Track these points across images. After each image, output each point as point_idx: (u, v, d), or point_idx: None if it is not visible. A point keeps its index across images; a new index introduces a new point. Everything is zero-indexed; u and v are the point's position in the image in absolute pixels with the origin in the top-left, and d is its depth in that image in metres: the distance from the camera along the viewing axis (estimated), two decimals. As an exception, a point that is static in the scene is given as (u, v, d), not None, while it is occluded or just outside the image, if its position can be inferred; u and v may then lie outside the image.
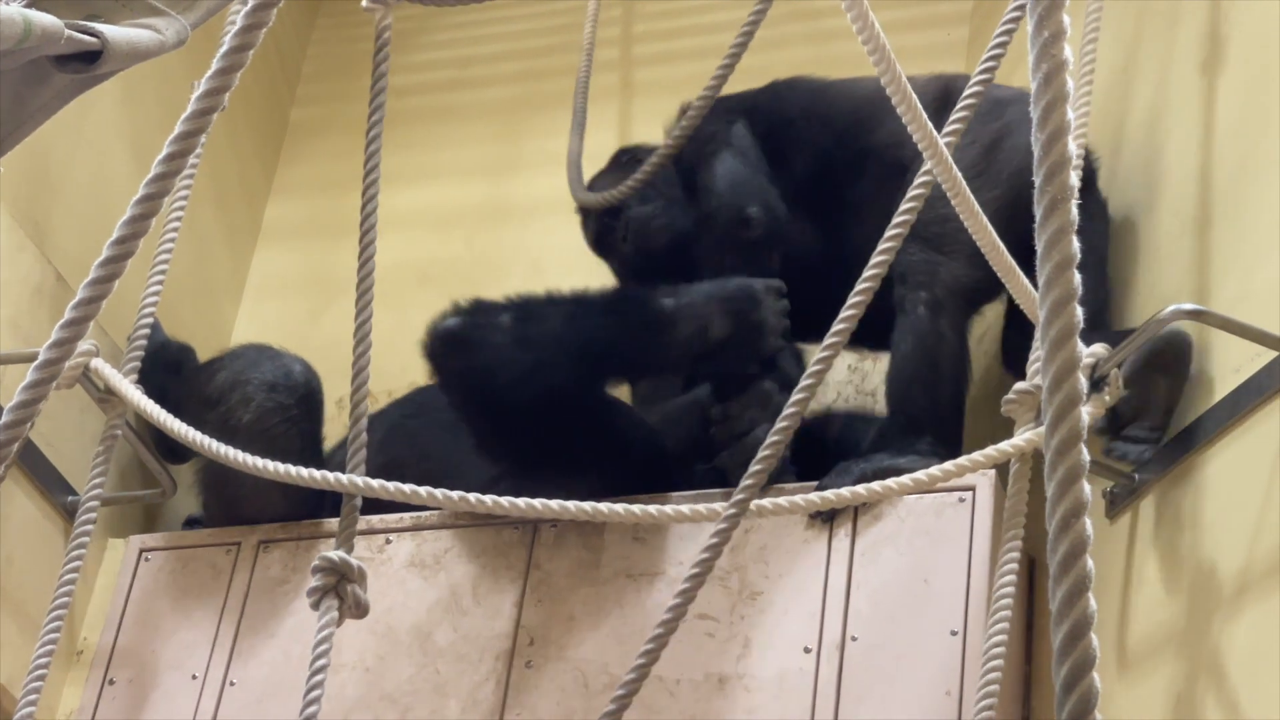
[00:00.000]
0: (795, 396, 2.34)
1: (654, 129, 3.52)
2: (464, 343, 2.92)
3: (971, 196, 2.32)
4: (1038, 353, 2.58)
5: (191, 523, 3.31)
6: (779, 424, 2.35)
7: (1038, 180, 1.10)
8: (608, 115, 3.90)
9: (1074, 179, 1.10)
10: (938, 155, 2.25)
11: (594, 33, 3.88)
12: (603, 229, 3.38)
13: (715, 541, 2.31)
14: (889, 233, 2.35)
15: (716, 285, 3.00)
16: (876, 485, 2.50)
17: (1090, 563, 1.06)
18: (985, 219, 2.36)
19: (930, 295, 2.90)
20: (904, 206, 2.36)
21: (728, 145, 3.24)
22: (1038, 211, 1.10)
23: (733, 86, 3.39)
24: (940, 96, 3.02)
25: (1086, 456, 1.08)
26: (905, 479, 2.48)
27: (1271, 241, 2.45)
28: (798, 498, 2.52)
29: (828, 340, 2.34)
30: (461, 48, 4.27)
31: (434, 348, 2.94)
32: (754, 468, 2.33)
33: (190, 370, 3.28)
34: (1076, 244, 1.09)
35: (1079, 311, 1.08)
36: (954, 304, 2.92)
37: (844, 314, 2.34)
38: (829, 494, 2.52)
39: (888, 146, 3.08)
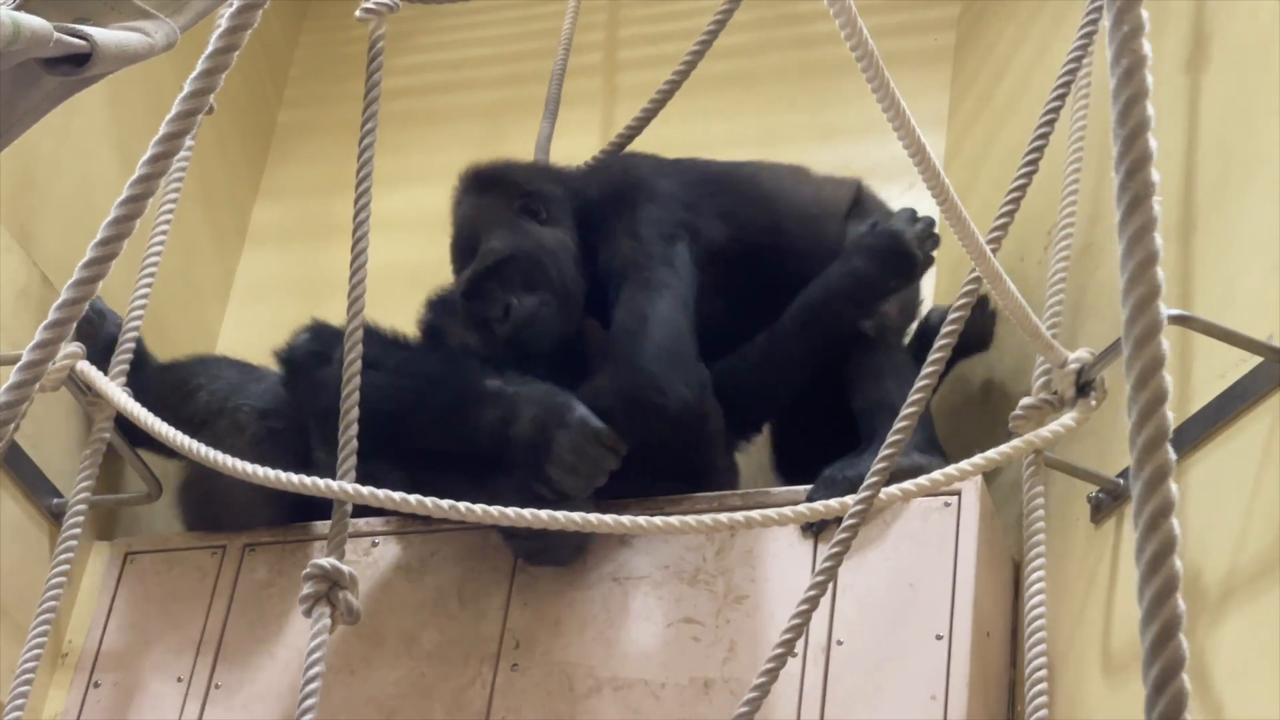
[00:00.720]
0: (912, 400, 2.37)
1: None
2: (299, 368, 2.97)
3: (961, 206, 2.33)
4: (1043, 366, 2.60)
5: None
6: (891, 437, 2.37)
7: (1118, 177, 1.09)
8: (591, 117, 3.90)
9: (1155, 175, 1.09)
10: (926, 163, 2.25)
11: (574, 22, 3.88)
12: (478, 290, 3.03)
13: (836, 551, 2.33)
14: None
15: (545, 391, 2.83)
16: (865, 495, 2.50)
17: (1179, 563, 1.04)
18: (974, 229, 2.36)
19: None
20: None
21: (665, 285, 2.91)
22: (1118, 209, 1.09)
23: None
24: (853, 200, 3.14)
25: (1170, 417, 1.05)
26: (894, 489, 2.49)
27: (1255, 247, 2.45)
28: (787, 509, 2.52)
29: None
30: (449, 51, 4.27)
31: (281, 362, 3.03)
32: (878, 465, 2.36)
33: (153, 371, 3.21)
34: (1159, 239, 1.08)
35: (1163, 310, 1.06)
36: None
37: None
38: (818, 505, 2.53)
39: (819, 245, 3.07)
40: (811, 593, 2.33)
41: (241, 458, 2.68)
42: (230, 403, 3.06)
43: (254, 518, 3.09)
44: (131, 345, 2.96)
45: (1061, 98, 2.70)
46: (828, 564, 2.35)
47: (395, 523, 3.04)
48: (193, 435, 2.72)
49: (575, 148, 3.62)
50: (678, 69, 3.41)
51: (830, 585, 2.76)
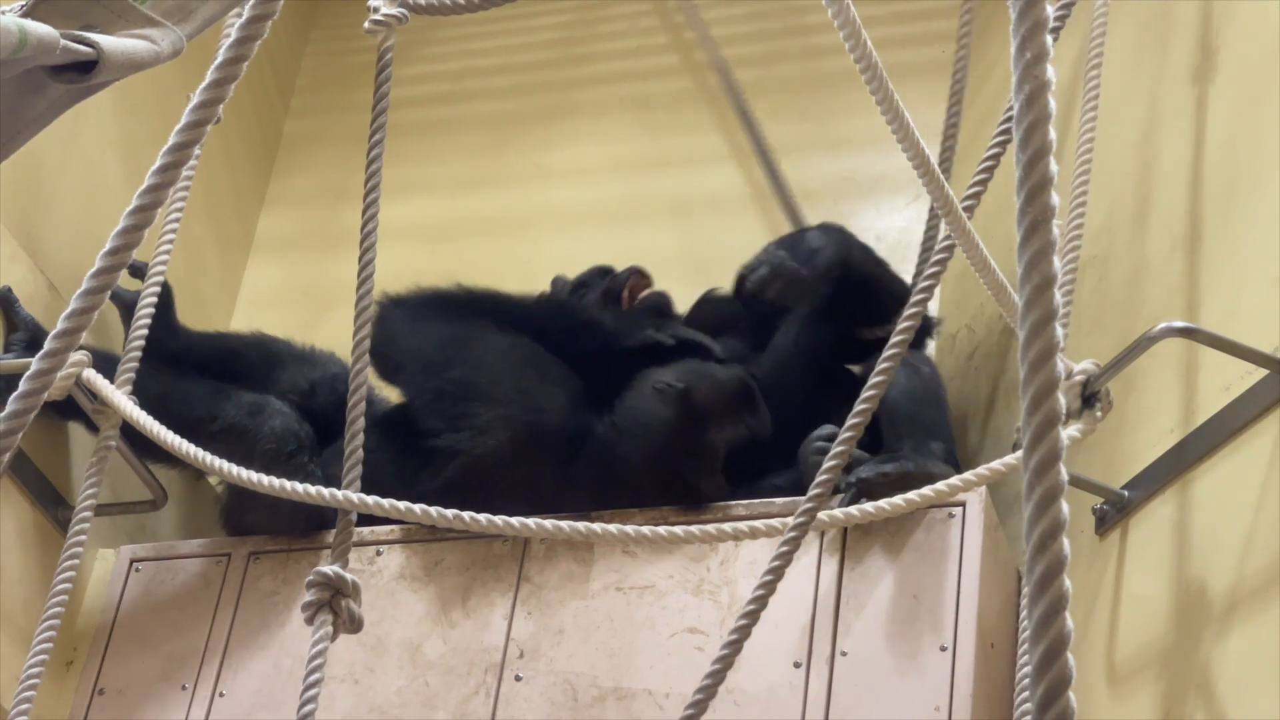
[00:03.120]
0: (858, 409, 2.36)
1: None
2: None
3: (969, 225, 2.33)
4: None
5: None
6: (843, 433, 2.35)
7: (1019, 201, 1.10)
8: (615, 126, 3.90)
9: (1055, 199, 1.10)
10: (930, 174, 2.25)
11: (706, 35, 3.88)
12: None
13: (785, 551, 2.31)
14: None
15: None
16: (869, 506, 2.50)
17: (1068, 583, 1.06)
18: (979, 240, 2.36)
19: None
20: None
21: None
22: (1019, 233, 1.10)
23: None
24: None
25: (1065, 476, 1.08)
26: (898, 499, 2.49)
27: (1261, 259, 2.45)
28: (790, 519, 2.52)
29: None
30: (455, 61, 4.28)
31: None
32: (821, 475, 2.33)
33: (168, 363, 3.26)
34: (1057, 264, 1.09)
35: (1059, 331, 1.08)
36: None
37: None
38: (824, 516, 2.52)
39: None
40: (768, 578, 2.31)
41: (273, 502, 2.73)
42: (257, 449, 3.06)
43: (278, 523, 3.12)
44: (137, 354, 2.95)
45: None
46: (784, 548, 2.33)
47: (400, 531, 3.05)
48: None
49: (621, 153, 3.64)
50: None
51: (836, 593, 2.77)
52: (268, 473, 2.82)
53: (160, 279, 3.03)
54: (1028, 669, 2.33)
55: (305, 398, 3.26)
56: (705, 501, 2.96)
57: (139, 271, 3.12)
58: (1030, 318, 1.08)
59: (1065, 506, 1.07)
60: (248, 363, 3.33)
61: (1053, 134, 1.09)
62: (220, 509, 3.24)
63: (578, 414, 3.06)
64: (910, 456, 2.82)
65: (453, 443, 3.03)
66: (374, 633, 2.93)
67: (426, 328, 3.16)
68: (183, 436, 2.78)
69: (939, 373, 3.11)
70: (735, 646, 2.29)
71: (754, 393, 3.07)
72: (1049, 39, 1.10)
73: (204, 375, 3.25)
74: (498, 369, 3.09)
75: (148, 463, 3.16)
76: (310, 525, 3.12)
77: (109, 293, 1.60)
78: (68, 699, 3.06)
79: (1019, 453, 2.51)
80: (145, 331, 2.98)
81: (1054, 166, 1.10)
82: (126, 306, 3.17)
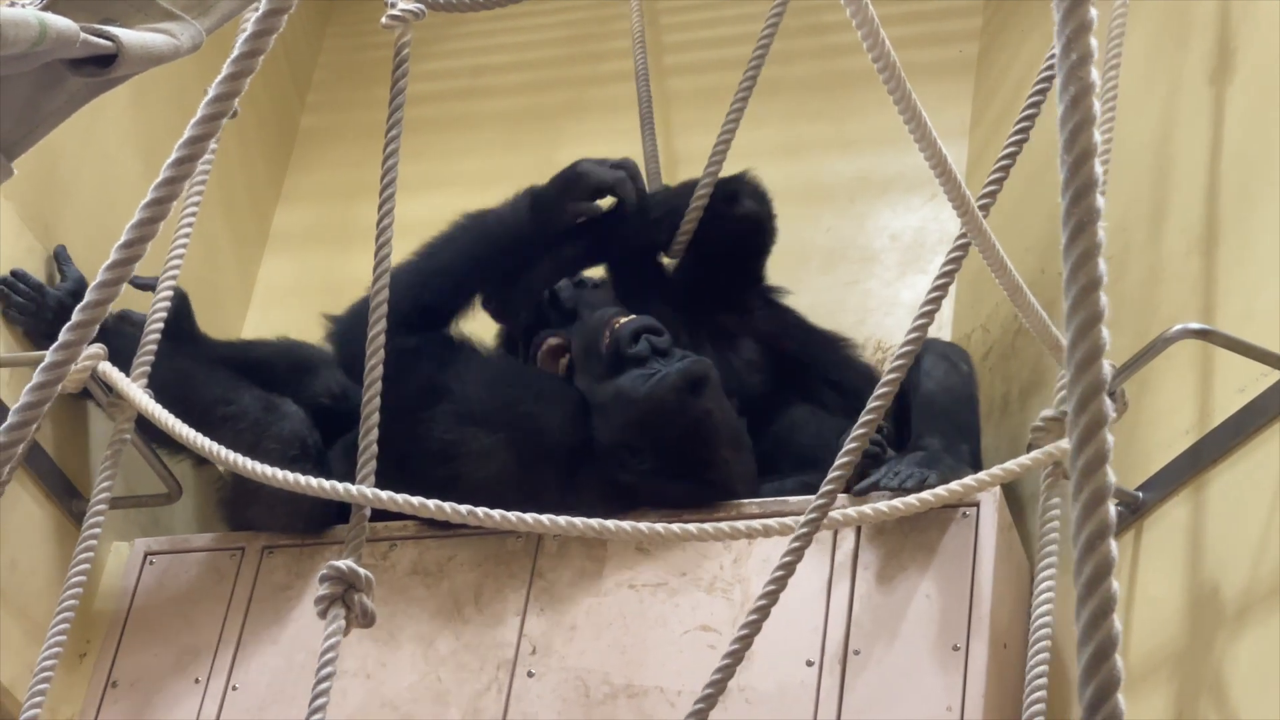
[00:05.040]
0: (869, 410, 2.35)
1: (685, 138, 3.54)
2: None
3: (982, 218, 2.33)
4: (1063, 379, 2.59)
5: None
6: (856, 430, 2.34)
7: (1064, 203, 1.09)
8: (629, 123, 3.90)
9: (1100, 202, 1.09)
10: (947, 174, 2.25)
11: (642, 28, 3.88)
12: None
13: (796, 547, 2.30)
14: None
15: None
16: (882, 505, 2.50)
17: (1115, 584, 1.05)
18: (995, 241, 2.35)
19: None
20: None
21: None
22: (1064, 234, 1.09)
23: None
24: None
25: (1113, 478, 1.07)
26: (912, 498, 2.48)
27: (1278, 261, 2.45)
28: (804, 518, 2.51)
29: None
30: (472, 57, 4.28)
31: None
32: (832, 473, 2.32)
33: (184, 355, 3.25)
34: (1103, 266, 1.08)
35: (1105, 333, 1.07)
36: None
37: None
38: (835, 514, 2.52)
39: None
40: (779, 574, 2.30)
41: (271, 494, 2.72)
42: (261, 447, 3.06)
43: (288, 519, 3.12)
44: (153, 348, 2.95)
45: (1042, 93, 2.61)
46: (795, 544, 2.32)
47: (413, 527, 3.05)
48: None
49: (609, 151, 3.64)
50: (747, 74, 3.41)
51: (850, 592, 2.77)
52: None
53: (177, 270, 3.03)
54: (1038, 669, 2.34)
55: (337, 401, 3.25)
56: (731, 484, 2.96)
57: (149, 288, 3.12)
58: (1076, 320, 1.07)
59: (1112, 509, 1.07)
60: (276, 371, 3.32)
61: (1098, 137, 1.08)
62: (221, 501, 3.23)
63: (576, 428, 3.04)
64: (942, 458, 2.81)
65: (455, 471, 3.01)
66: (386, 627, 2.93)
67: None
68: (191, 417, 2.78)
69: (975, 372, 3.09)
70: (745, 643, 2.29)
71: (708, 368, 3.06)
72: (1093, 41, 1.09)
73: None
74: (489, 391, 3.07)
75: (161, 453, 3.16)
76: (311, 525, 3.11)
77: (124, 285, 1.60)
78: (81, 691, 3.07)
79: (1033, 453, 2.52)
80: (161, 323, 2.97)
81: (1099, 169, 1.09)
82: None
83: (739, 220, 3.28)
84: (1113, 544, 1.06)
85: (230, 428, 3.04)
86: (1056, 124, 1.09)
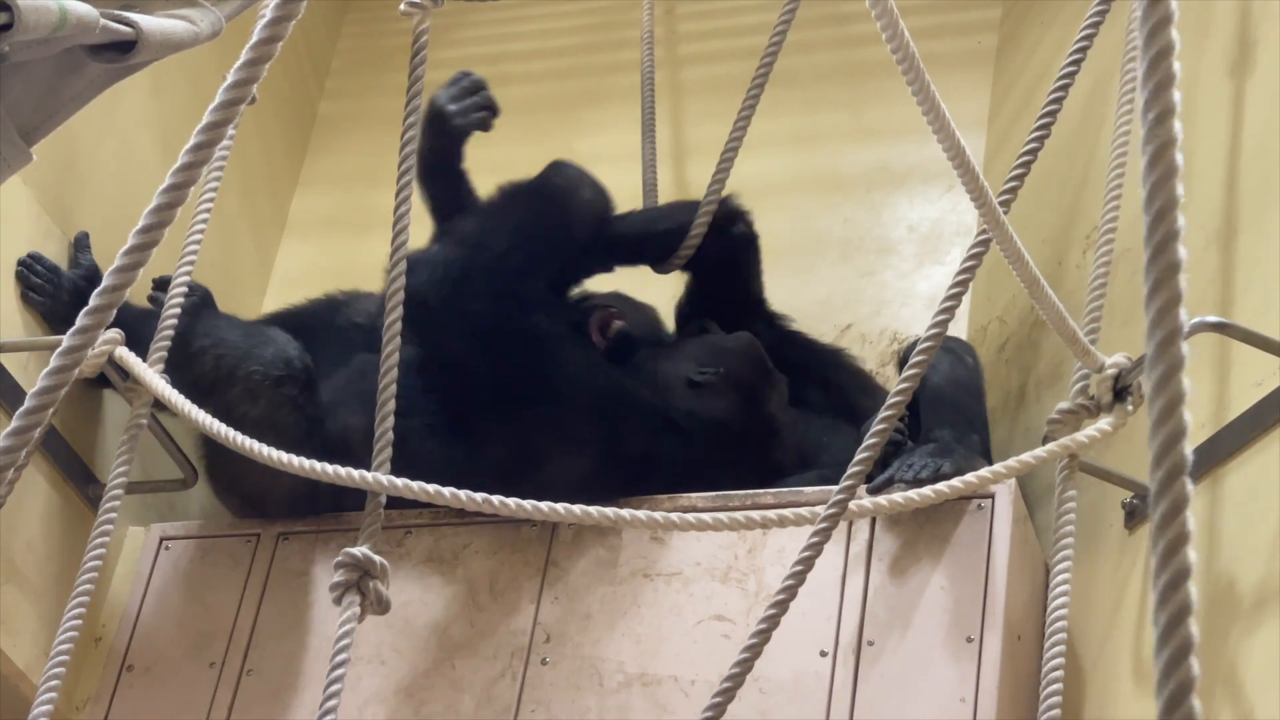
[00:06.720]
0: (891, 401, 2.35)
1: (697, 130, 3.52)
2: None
3: (999, 210, 2.32)
4: (1080, 371, 2.59)
5: None
6: (876, 425, 2.34)
7: (1147, 218, 1.09)
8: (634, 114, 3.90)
9: (1181, 220, 1.09)
10: (965, 165, 2.24)
11: (652, 28, 3.89)
12: None
13: (815, 540, 2.30)
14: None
15: None
16: (898, 496, 2.49)
17: (1193, 590, 1.05)
18: (1013, 232, 2.35)
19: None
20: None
21: None
22: (1146, 248, 1.09)
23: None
24: None
25: (1187, 435, 1.05)
26: (927, 490, 2.48)
27: (1296, 255, 2.44)
28: (819, 508, 2.51)
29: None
30: (491, 45, 4.28)
31: None
32: (853, 468, 2.32)
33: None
34: (1183, 282, 1.07)
35: (1184, 348, 1.07)
36: None
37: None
38: (853, 506, 2.51)
39: None
40: (798, 567, 2.30)
41: (256, 426, 2.71)
42: (241, 370, 3.03)
43: (288, 503, 3.11)
44: (170, 333, 2.95)
45: (1065, 88, 2.62)
46: (814, 539, 2.32)
47: (428, 514, 3.05)
48: (204, 399, 2.75)
49: (619, 146, 3.64)
50: (762, 63, 3.41)
51: (864, 583, 2.77)
52: (251, 401, 2.84)
53: (194, 255, 3.03)
54: (1054, 662, 2.34)
55: (372, 320, 3.18)
56: (778, 472, 3.03)
57: (163, 286, 3.11)
58: (1158, 370, 1.06)
59: (1190, 520, 1.06)
60: (301, 317, 3.33)
61: (1179, 157, 1.07)
62: (216, 484, 3.22)
63: (647, 438, 3.06)
64: (954, 448, 2.81)
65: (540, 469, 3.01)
66: (401, 614, 2.94)
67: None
68: (173, 357, 2.83)
69: (981, 364, 3.10)
70: (764, 635, 2.29)
71: (760, 346, 3.21)
72: (1176, 66, 1.08)
73: None
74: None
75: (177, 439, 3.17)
76: (298, 511, 3.11)
77: (140, 270, 1.59)
78: (96, 675, 3.08)
79: (1049, 445, 2.52)
80: (178, 308, 2.97)
81: (1180, 189, 1.08)
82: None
83: (736, 240, 3.39)
84: (1190, 553, 1.05)
85: (211, 353, 3.03)
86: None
